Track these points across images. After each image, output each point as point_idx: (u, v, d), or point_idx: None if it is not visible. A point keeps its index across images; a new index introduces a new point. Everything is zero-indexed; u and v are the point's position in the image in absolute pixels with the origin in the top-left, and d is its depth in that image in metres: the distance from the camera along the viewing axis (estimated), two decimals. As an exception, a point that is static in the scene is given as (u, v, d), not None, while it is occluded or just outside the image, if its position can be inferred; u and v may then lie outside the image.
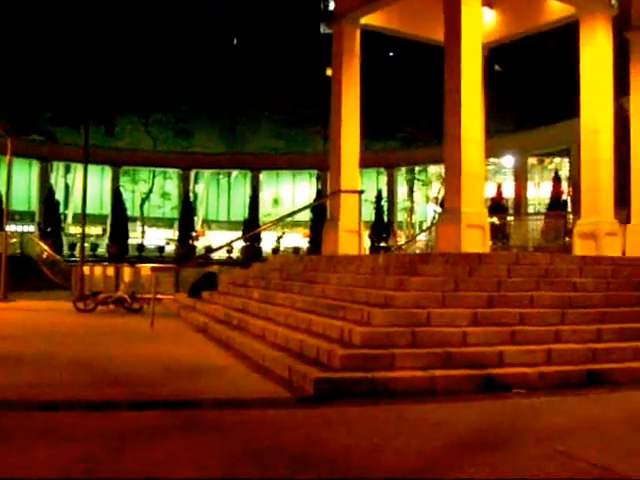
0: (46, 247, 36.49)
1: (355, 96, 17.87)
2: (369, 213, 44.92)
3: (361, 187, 18.10)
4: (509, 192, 45.37)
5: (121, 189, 52.32)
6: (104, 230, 54.32)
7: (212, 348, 11.42)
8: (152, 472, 4.87)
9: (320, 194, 47.58)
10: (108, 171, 55.94)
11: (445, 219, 14.62)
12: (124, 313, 17.92)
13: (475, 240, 13.66)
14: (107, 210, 53.68)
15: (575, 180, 37.20)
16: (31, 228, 50.42)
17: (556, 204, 35.12)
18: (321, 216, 34.81)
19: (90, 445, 5.48)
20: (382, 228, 45.99)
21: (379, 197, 49.22)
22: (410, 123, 52.12)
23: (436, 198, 50.61)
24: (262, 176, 57.31)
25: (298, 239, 51.29)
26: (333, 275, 12.69)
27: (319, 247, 18.85)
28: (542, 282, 10.47)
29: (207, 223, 57.34)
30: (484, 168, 15.91)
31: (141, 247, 49.34)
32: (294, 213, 31.13)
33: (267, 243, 48.57)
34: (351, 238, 17.16)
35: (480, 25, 14.39)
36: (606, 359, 8.93)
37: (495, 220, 22.14)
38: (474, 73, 14.34)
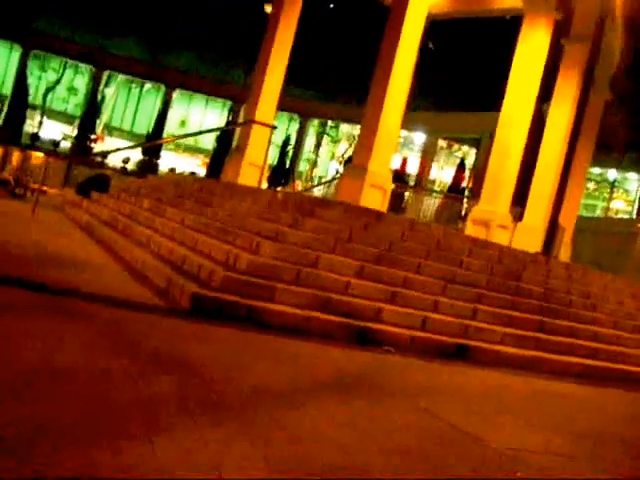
0: None
1: (289, 34, 17.61)
2: (273, 156, 44.57)
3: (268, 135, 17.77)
4: (413, 168, 45.85)
5: (27, 73, 49.92)
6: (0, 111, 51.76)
7: (92, 246, 11.13)
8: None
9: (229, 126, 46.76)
10: (17, 51, 53.23)
11: (350, 174, 14.68)
12: (4, 196, 17.20)
13: (375, 200, 13.79)
14: (8, 91, 51.21)
15: (478, 172, 37.99)
16: None
17: (455, 189, 35.61)
18: (225, 148, 34.25)
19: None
20: (282, 173, 45.74)
21: (286, 142, 48.88)
22: (334, 77, 51.74)
23: (342, 157, 50.62)
24: (175, 94, 55.83)
25: (196, 166, 50.32)
26: (229, 201, 12.47)
27: (217, 178, 18.58)
28: (432, 253, 10.58)
29: (109, 129, 55.40)
30: (398, 135, 16.00)
31: (35, 137, 47.29)
32: (200, 133, 30.58)
33: (165, 162, 47.50)
34: (253, 172, 17.02)
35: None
36: (476, 337, 9.16)
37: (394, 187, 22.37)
38: (413, 38, 14.40)
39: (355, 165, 14.66)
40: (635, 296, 14.04)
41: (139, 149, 45.75)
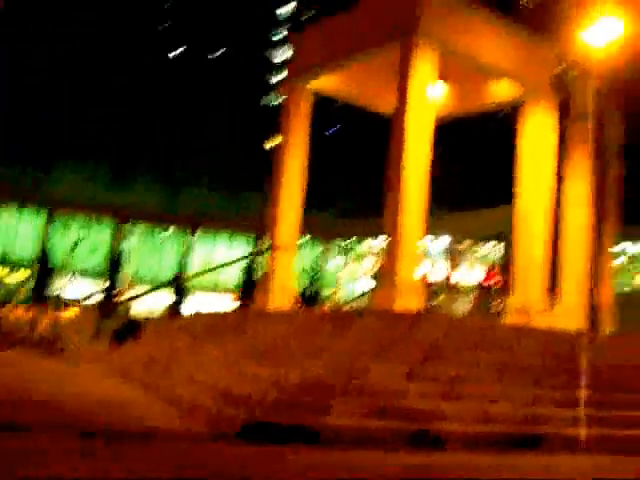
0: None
1: (298, 160, 17.83)
2: (301, 283, 44.60)
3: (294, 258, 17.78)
4: (440, 275, 45.67)
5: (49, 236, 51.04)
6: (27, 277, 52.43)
7: (134, 390, 10.96)
8: None
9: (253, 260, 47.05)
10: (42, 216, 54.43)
11: (381, 283, 14.59)
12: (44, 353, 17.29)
13: (409, 307, 13.62)
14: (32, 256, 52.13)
15: (505, 267, 37.80)
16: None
17: (486, 288, 35.44)
18: (253, 282, 34.38)
19: None
20: (310, 298, 45.65)
21: (311, 269, 49.03)
22: (351, 194, 52.54)
23: (372, 271, 50.57)
24: (197, 236, 56.48)
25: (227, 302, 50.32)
26: (265, 326, 12.36)
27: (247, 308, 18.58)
28: (479, 345, 10.34)
29: (136, 280, 55.82)
30: (420, 235, 15.97)
31: (58, 299, 47.67)
32: (222, 266, 30.72)
33: (193, 304, 47.56)
34: (284, 297, 16.93)
35: (426, 97, 14.57)
36: (542, 423, 8.80)
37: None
38: (419, 144, 14.48)
39: (384, 274, 14.59)
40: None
41: (170, 294, 46.05)
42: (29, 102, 52.75)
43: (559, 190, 17.98)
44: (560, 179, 17.77)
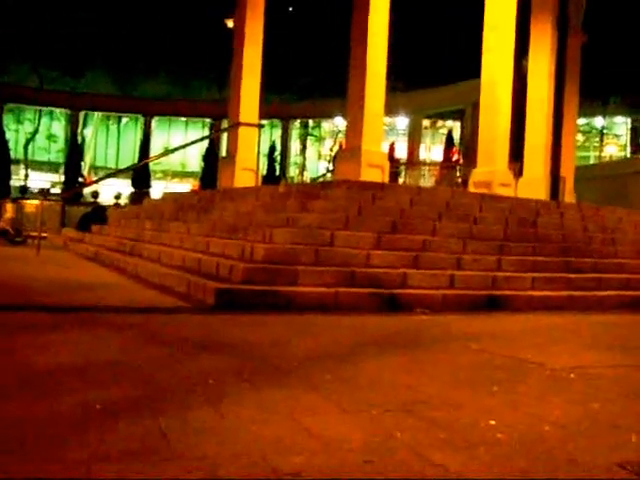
0: None
1: (258, 40, 17.49)
2: (262, 165, 44.44)
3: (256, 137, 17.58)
4: (401, 153, 45.75)
5: (4, 128, 49.82)
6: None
7: (104, 271, 10.97)
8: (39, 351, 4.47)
9: (213, 143, 46.60)
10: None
11: (345, 157, 14.53)
12: (6, 245, 17.09)
13: (374, 179, 13.64)
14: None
15: (466, 144, 37.90)
16: None
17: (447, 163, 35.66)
18: (213, 168, 34.05)
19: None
20: (274, 180, 45.60)
21: (272, 149, 48.71)
22: (309, 75, 51.71)
23: (330, 153, 50.49)
24: (154, 123, 55.74)
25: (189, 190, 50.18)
26: (230, 204, 12.36)
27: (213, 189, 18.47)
28: (444, 214, 10.46)
29: (94, 169, 55.30)
30: (382, 115, 15.86)
31: (24, 189, 47.17)
32: (184, 147, 30.45)
33: (156, 192, 47.36)
34: (247, 177, 16.87)
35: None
36: (505, 286, 9.05)
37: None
38: (382, 17, 14.17)
39: (349, 148, 14.52)
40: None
41: (128, 184, 45.66)
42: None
43: (522, 63, 17.88)
44: (523, 51, 17.64)
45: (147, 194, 44.24)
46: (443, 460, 2.64)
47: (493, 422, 3.20)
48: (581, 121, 42.13)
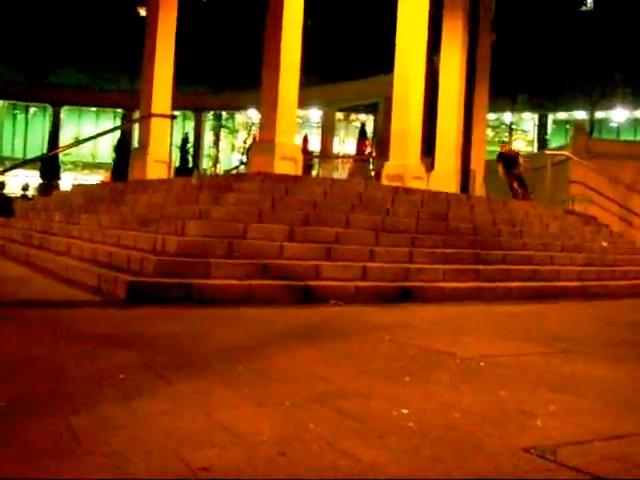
0: None
1: (170, 29, 17.24)
2: (175, 157, 43.88)
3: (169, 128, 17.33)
4: (315, 146, 45.91)
5: None
6: None
7: (12, 264, 10.64)
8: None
9: (125, 134, 45.76)
10: None
11: (259, 149, 14.49)
12: None
13: (288, 171, 13.63)
14: None
15: (379, 137, 38.25)
16: None
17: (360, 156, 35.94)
18: (125, 159, 33.34)
19: None
20: (186, 172, 45.10)
21: (185, 140, 48.15)
22: (222, 68, 51.25)
23: (244, 145, 50.25)
24: (63, 113, 54.37)
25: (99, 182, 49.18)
26: (142, 196, 12.15)
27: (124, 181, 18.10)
28: (357, 206, 10.54)
29: (1, 160, 53.57)
30: (296, 107, 15.87)
31: None
32: (94, 137, 29.82)
33: (66, 184, 46.24)
34: (159, 169, 16.61)
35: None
36: (417, 278, 9.18)
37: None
38: (296, 11, 14.16)
39: (262, 141, 14.47)
40: (556, 218, 14.37)
41: (37, 176, 44.45)
42: None
43: (434, 59, 18.15)
44: (436, 47, 17.91)
45: (56, 186, 43.15)
46: (356, 450, 2.65)
47: (405, 411, 3.24)
48: (491, 116, 43.07)
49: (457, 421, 3.15)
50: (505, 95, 43.04)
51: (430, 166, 17.60)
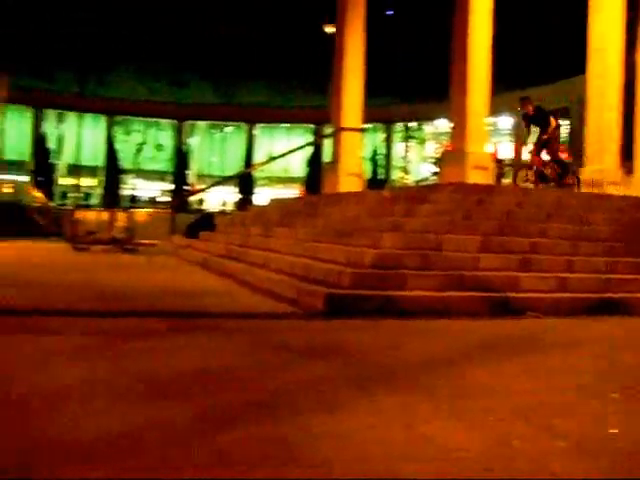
0: (39, 194, 36.01)
1: (359, 49, 17.51)
2: (365, 170, 44.54)
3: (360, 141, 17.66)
4: (506, 153, 44.96)
5: (114, 140, 51.73)
6: (98, 182, 53.63)
7: (212, 277, 11.20)
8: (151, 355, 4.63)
9: (318, 148, 46.93)
10: (101, 121, 55.19)
11: (450, 159, 14.40)
12: (119, 252, 17.68)
13: (480, 181, 13.47)
14: (100, 162, 53.16)
15: (573, 140, 36.89)
16: (25, 178, 49.37)
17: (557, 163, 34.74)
18: (317, 173, 34.30)
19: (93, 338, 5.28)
20: (377, 184, 45.60)
21: (375, 153, 48.70)
22: (410, 78, 51.47)
23: (434, 157, 50.12)
24: (257, 131, 56.69)
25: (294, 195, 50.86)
26: (336, 209, 12.43)
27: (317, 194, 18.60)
28: (552, 215, 10.24)
29: (201, 177, 56.65)
30: (486, 116, 15.64)
31: (133, 198, 48.91)
32: (286, 154, 30.77)
33: (260, 197, 48.15)
34: (352, 182, 16.90)
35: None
36: (619, 289, 8.76)
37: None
38: (484, 19, 13.98)
39: (453, 150, 14.38)
40: None
41: (233, 191, 46.59)
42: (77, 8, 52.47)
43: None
44: (631, 43, 17.08)
45: (250, 200, 45.08)
46: (565, 471, 2.60)
47: (615, 431, 3.13)
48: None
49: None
50: None
51: (630, 170, 16.77)
